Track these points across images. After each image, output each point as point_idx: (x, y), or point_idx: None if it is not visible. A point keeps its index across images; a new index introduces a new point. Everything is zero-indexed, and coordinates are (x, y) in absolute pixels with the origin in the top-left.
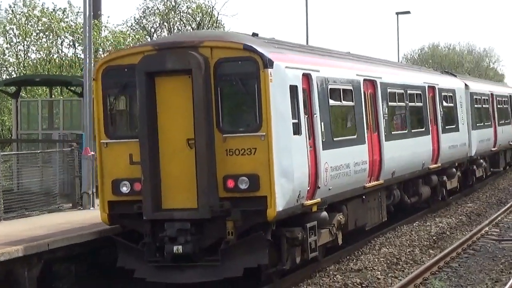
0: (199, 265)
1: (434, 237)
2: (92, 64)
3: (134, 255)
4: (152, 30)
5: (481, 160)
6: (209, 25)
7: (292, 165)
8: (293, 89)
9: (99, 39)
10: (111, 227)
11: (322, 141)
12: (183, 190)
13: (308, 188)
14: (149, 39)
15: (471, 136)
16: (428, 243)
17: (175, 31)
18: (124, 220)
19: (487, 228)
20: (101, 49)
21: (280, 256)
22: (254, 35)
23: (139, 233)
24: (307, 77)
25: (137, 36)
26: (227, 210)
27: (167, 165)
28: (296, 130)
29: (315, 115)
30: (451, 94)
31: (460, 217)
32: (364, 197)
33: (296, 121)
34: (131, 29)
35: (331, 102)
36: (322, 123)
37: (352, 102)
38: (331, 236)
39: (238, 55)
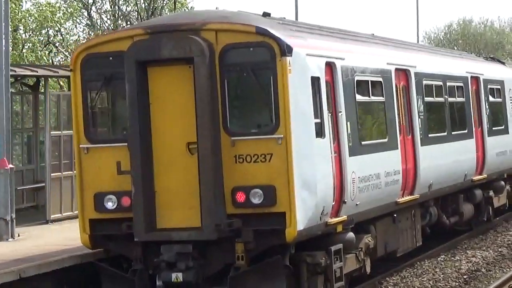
0: None
1: (465, 276)
2: (10, 48)
3: (122, 286)
4: (90, 1)
5: None
6: None
7: (315, 175)
8: (315, 81)
9: (20, 14)
10: (40, 263)
11: (348, 145)
12: (183, 205)
13: (333, 203)
14: (85, 13)
15: None
16: (457, 283)
17: (120, 2)
18: (109, 243)
19: None
20: (22, 27)
21: (299, 286)
22: (265, 15)
23: (126, 259)
24: (330, 67)
25: (69, 10)
26: (236, 230)
27: (163, 175)
28: (319, 131)
29: (340, 113)
30: (498, 87)
31: (499, 249)
32: (395, 215)
33: (318, 120)
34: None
35: (358, 97)
36: (348, 123)
37: (382, 97)
38: (358, 263)
39: (250, 40)
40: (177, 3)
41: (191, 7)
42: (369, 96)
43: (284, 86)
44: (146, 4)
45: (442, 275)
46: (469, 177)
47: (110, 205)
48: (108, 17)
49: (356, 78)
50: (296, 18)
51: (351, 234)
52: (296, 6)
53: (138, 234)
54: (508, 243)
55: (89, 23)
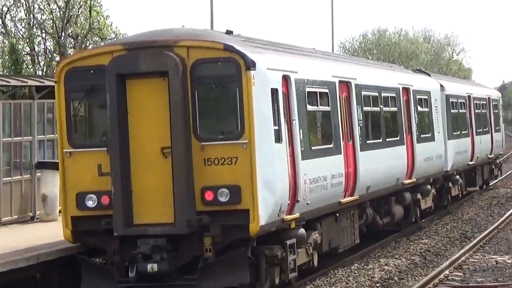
0: (175, 285)
1: (378, 285)
2: None
3: (101, 276)
4: (5, 9)
5: (457, 176)
6: (80, 3)
7: (274, 176)
8: (274, 92)
9: None
10: None
11: (301, 150)
12: (157, 203)
13: (288, 202)
14: (0, 22)
15: (447, 147)
16: None
17: (35, 10)
18: (89, 238)
19: (447, 272)
20: None
21: (258, 276)
22: (228, 32)
23: (102, 252)
24: (286, 80)
25: None
26: (205, 225)
27: (139, 176)
28: (277, 137)
29: (294, 121)
30: (426, 97)
31: (412, 258)
32: (337, 215)
33: (277, 127)
34: None
35: (308, 107)
36: (301, 130)
37: (328, 106)
38: (307, 257)
39: (218, 56)
40: (92, 11)
41: (107, 16)
42: (318, 106)
43: (249, 97)
44: (62, 13)
45: (355, 284)
46: (400, 180)
47: (90, 203)
48: (23, 25)
49: (307, 89)
50: (212, 28)
51: (302, 230)
52: (212, 18)
53: (117, 229)
54: (421, 251)
55: (3, 31)
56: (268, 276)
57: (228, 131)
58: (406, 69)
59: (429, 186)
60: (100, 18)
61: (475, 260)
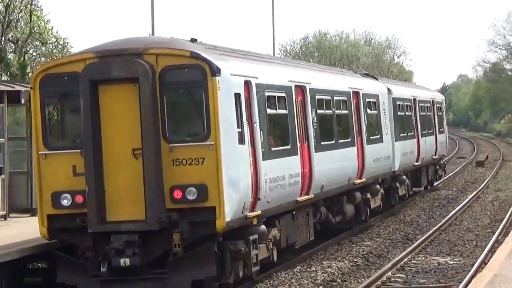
0: (146, 278)
1: (321, 287)
2: None
3: (76, 270)
4: None
5: (404, 177)
6: (21, 7)
7: (238, 175)
8: (237, 97)
9: None
10: None
11: (261, 151)
12: (129, 201)
13: (251, 200)
14: None
15: (394, 148)
16: None
17: None
18: (64, 234)
19: (389, 274)
20: None
21: (224, 270)
22: (193, 40)
23: (76, 248)
24: (247, 85)
25: None
26: (174, 222)
27: (112, 176)
28: (240, 139)
29: (255, 124)
30: (374, 100)
31: (354, 260)
32: (294, 212)
33: (240, 130)
34: None
35: (268, 110)
36: (261, 132)
37: (286, 110)
38: (268, 252)
39: (185, 63)
40: (33, 16)
41: (48, 20)
42: (276, 109)
43: (214, 102)
44: (1, 17)
45: (298, 286)
46: (351, 180)
47: (65, 202)
48: None
49: (266, 94)
50: (153, 33)
51: (263, 227)
52: (153, 23)
53: (92, 226)
54: (363, 253)
55: None
56: (233, 269)
57: (195, 133)
58: (356, 73)
59: (378, 186)
60: (40, 23)
61: (417, 262)
